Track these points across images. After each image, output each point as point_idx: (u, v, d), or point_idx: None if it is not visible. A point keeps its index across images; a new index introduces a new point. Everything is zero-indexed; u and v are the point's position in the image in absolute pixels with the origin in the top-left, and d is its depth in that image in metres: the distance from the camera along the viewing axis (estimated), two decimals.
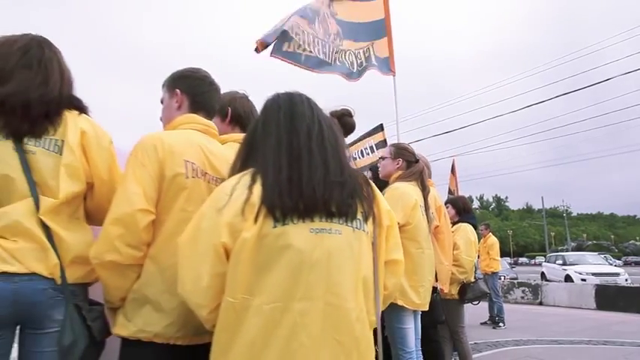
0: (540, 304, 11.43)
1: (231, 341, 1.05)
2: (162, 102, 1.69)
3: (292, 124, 1.19)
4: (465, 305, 3.97)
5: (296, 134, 1.18)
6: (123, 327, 1.37)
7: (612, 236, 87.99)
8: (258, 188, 1.10)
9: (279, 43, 4.07)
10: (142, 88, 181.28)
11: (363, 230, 1.19)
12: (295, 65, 4.19)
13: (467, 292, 3.78)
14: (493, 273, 7.83)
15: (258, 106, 1.43)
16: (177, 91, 1.62)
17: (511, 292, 12.22)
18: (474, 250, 3.88)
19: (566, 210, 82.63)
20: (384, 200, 1.36)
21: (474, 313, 6.22)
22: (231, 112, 1.86)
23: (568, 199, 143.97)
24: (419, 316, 2.76)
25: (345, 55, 4.66)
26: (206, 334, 1.32)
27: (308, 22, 4.30)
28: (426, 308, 2.75)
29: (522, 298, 11.97)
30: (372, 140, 6.32)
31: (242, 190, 1.10)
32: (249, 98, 1.97)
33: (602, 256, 23.34)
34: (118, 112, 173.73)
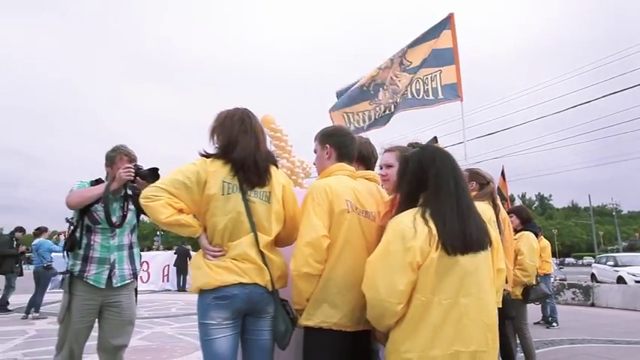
0: (592, 305, 11.38)
1: (418, 325, 1.59)
2: (315, 152, 2.29)
3: (455, 179, 1.73)
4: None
5: (456, 186, 1.72)
6: (308, 319, 1.99)
7: None
8: (434, 226, 1.62)
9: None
10: (173, 94, 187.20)
11: (488, 251, 1.74)
12: (363, 132, 5.59)
13: (530, 293, 4.22)
14: (545, 275, 8.09)
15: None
16: (328, 145, 2.22)
17: (561, 293, 12.22)
18: (536, 255, 4.31)
19: (616, 208, 79.24)
20: (492, 228, 1.90)
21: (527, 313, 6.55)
22: (358, 154, 2.44)
23: (617, 197, 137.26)
24: None
25: (411, 87, 5.27)
26: (363, 323, 1.92)
27: (369, 102, 5.36)
28: (500, 305, 3.25)
29: (573, 299, 11.97)
30: None
31: (423, 227, 1.63)
32: (370, 142, 2.55)
33: None
34: (151, 114, 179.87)
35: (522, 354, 4.31)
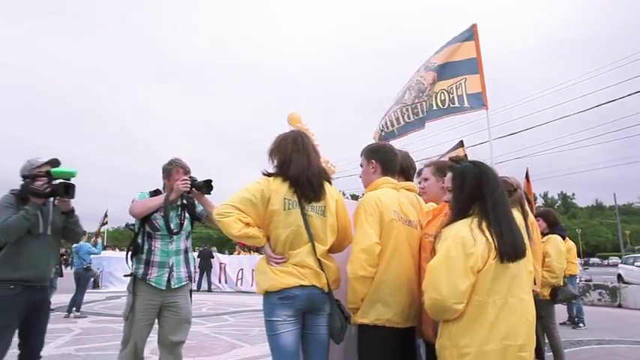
0: (619, 306, 11.33)
1: (476, 323, 1.81)
2: (361, 166, 2.54)
3: (504, 195, 1.97)
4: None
5: (505, 201, 1.96)
6: (364, 317, 2.24)
7: None
8: (490, 237, 1.85)
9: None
10: (187, 95, 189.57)
11: (526, 256, 1.96)
12: (395, 139, 5.87)
13: (558, 294, 4.37)
14: (571, 276, 8.16)
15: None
16: (373, 160, 2.46)
17: (587, 294, 12.16)
18: (563, 258, 4.47)
19: None
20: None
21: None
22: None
23: None
24: None
25: (436, 98, 5.50)
26: (411, 320, 2.16)
27: (396, 102, 5.75)
28: None
29: (599, 300, 11.90)
30: (455, 156, 6.97)
31: (481, 236, 1.84)
32: (409, 155, 2.79)
33: None
34: (165, 116, 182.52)
35: (550, 353, 4.47)
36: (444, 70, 5.61)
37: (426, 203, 2.63)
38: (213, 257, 17.01)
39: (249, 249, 18.84)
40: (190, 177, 3.31)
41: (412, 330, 2.28)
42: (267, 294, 2.24)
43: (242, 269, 16.33)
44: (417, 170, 2.85)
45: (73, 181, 3.17)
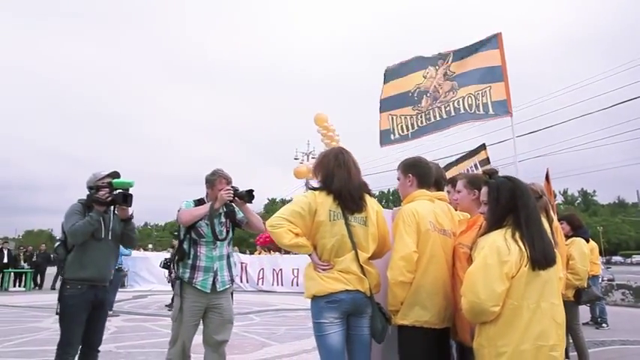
0: None
1: (512, 325, 1.99)
2: (398, 179, 2.74)
3: (536, 208, 2.16)
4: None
5: (537, 214, 2.14)
6: (404, 319, 2.45)
7: None
8: (523, 247, 2.03)
9: (386, 138, 6.63)
10: (211, 99, 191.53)
11: (556, 264, 2.13)
12: (408, 141, 6.03)
13: (582, 295, 4.50)
14: (594, 276, 8.19)
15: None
16: (410, 175, 2.66)
17: (609, 294, 12.07)
18: (587, 260, 4.60)
19: None
20: None
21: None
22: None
23: None
24: None
25: (463, 102, 5.65)
26: (447, 321, 2.36)
27: (412, 107, 5.95)
28: None
29: (622, 300, 11.82)
30: (477, 158, 7.13)
31: (515, 246, 2.03)
32: (440, 167, 2.98)
33: None
34: (193, 120, 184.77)
35: (575, 353, 4.59)
36: (468, 77, 5.77)
37: (456, 210, 2.84)
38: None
39: (269, 249, 19.16)
40: (233, 187, 3.55)
41: (447, 330, 2.48)
42: (315, 298, 2.46)
43: (263, 269, 16.63)
44: (448, 179, 3.04)
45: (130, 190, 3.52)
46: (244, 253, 21.57)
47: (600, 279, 12.77)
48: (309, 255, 2.51)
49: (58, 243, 3.61)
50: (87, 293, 3.39)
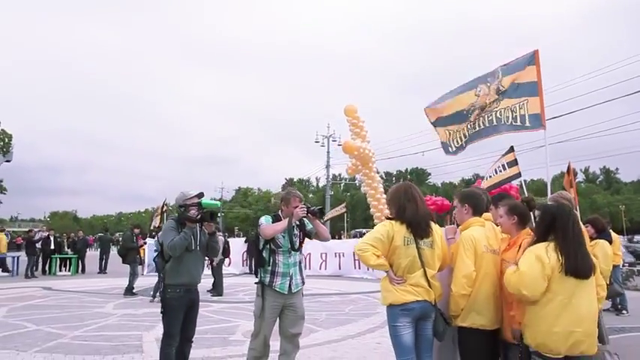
0: None
1: (547, 312, 2.64)
2: (455, 207, 3.33)
3: (575, 227, 2.77)
4: None
5: (575, 232, 2.75)
6: (463, 322, 3.08)
7: None
8: (560, 257, 2.65)
9: (446, 150, 8.03)
10: (226, 79, 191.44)
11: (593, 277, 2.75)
12: (463, 150, 7.45)
13: None
14: (615, 266, 8.67)
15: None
16: (466, 205, 3.27)
17: (630, 279, 12.28)
18: (610, 261, 5.13)
19: None
20: None
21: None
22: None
23: None
24: None
25: (502, 113, 6.25)
26: (497, 323, 3.00)
27: (466, 123, 6.91)
28: None
29: None
30: (504, 160, 7.67)
31: (553, 255, 2.67)
32: (486, 193, 3.55)
33: None
34: (201, 99, 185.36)
35: None
36: (510, 91, 6.42)
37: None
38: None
39: None
40: (305, 204, 4.19)
41: (497, 330, 3.11)
42: (391, 306, 3.12)
43: None
44: (492, 198, 3.61)
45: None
46: None
47: (621, 264, 13.20)
48: (386, 272, 3.14)
49: (155, 254, 4.35)
50: (184, 296, 4.13)
